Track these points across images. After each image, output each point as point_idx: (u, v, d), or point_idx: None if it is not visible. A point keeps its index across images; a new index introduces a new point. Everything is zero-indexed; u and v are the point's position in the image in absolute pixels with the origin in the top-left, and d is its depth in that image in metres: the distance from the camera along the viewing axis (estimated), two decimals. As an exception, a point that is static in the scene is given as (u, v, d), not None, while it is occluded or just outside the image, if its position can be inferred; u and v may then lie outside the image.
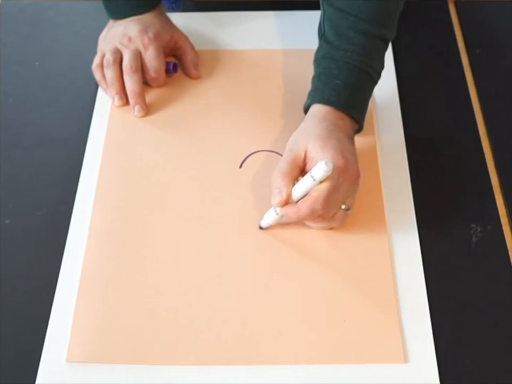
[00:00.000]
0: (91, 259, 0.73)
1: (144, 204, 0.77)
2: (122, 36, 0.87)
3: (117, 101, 0.86)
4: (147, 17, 0.89)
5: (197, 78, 0.91)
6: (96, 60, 0.88)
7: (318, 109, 0.75)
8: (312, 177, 0.67)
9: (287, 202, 0.70)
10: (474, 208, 0.78)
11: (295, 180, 0.70)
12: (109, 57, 0.86)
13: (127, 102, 0.86)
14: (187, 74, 0.91)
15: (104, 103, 0.88)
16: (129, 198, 0.78)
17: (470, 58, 0.94)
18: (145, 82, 0.88)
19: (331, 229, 0.74)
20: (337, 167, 0.68)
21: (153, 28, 0.88)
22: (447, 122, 0.86)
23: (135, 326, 0.68)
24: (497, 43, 0.97)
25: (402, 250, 0.73)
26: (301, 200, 0.69)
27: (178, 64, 0.91)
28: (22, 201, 0.78)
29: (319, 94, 0.76)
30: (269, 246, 0.74)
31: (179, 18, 0.95)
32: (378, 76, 0.79)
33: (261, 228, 0.74)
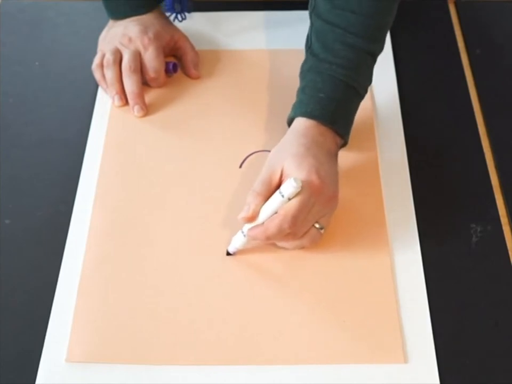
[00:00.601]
0: (91, 259, 0.73)
1: (144, 203, 0.77)
2: (122, 36, 0.87)
3: (117, 101, 0.86)
4: (147, 17, 0.89)
5: (197, 78, 0.91)
6: (96, 60, 0.88)
7: (300, 123, 0.73)
8: (281, 193, 0.66)
9: (253, 218, 0.68)
10: (474, 208, 0.78)
11: (267, 199, 0.68)
12: (109, 58, 0.86)
13: (127, 102, 0.86)
14: (187, 74, 0.91)
15: (104, 103, 0.88)
16: (129, 198, 0.78)
17: (470, 58, 0.94)
18: (145, 83, 0.88)
19: (302, 248, 0.72)
20: (310, 186, 0.67)
21: (153, 28, 0.88)
22: (447, 122, 0.86)
23: (135, 326, 0.68)
24: (497, 43, 0.97)
25: (402, 250, 0.73)
26: (269, 219, 0.67)
27: (178, 64, 0.91)
28: (22, 201, 0.78)
29: (302, 107, 0.74)
30: (269, 246, 0.73)
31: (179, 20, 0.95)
32: (365, 91, 0.77)
33: (228, 253, 0.72)
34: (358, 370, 0.65)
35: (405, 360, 0.65)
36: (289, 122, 0.76)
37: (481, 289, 0.71)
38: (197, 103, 0.88)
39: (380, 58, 0.92)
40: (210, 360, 0.66)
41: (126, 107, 0.86)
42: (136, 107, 0.85)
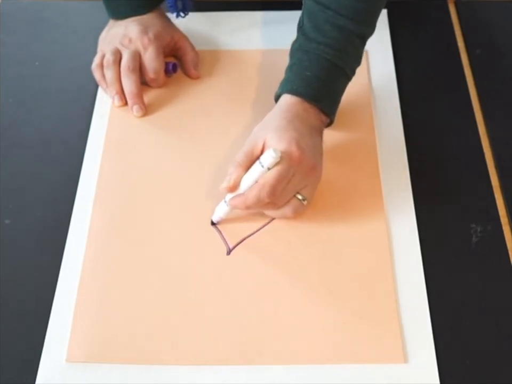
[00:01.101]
0: (91, 259, 0.73)
1: (144, 203, 0.77)
2: (123, 36, 0.87)
3: (117, 101, 0.86)
4: (148, 17, 0.89)
5: (197, 78, 0.91)
6: (96, 60, 0.88)
7: (285, 100, 0.75)
8: (261, 163, 0.68)
9: (234, 188, 0.71)
10: (474, 208, 0.78)
11: (248, 170, 0.71)
12: (109, 58, 0.86)
13: (127, 102, 0.86)
14: (187, 74, 0.91)
15: (104, 103, 0.88)
16: (129, 198, 0.78)
17: (470, 58, 0.94)
18: (145, 83, 0.88)
19: (285, 217, 0.73)
20: (289, 157, 0.68)
21: (154, 28, 0.88)
22: (447, 122, 0.86)
23: (135, 326, 0.68)
24: (497, 43, 0.97)
25: (403, 250, 0.73)
26: (248, 189, 0.70)
27: (178, 64, 0.91)
28: (22, 201, 0.78)
29: (289, 84, 0.76)
30: (269, 246, 0.74)
31: (179, 18, 0.95)
32: (353, 72, 0.79)
33: (212, 223, 0.75)
34: (358, 370, 0.65)
35: (405, 360, 0.65)
36: (276, 99, 0.77)
37: (481, 289, 0.71)
38: (196, 103, 0.88)
39: (380, 58, 0.93)
40: (210, 360, 0.66)
41: (126, 107, 0.86)
42: (135, 107, 0.85)
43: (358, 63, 0.79)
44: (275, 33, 0.97)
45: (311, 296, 0.70)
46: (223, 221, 0.75)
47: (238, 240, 0.74)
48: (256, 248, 0.73)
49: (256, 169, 0.69)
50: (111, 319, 0.68)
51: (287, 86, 0.76)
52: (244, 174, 0.70)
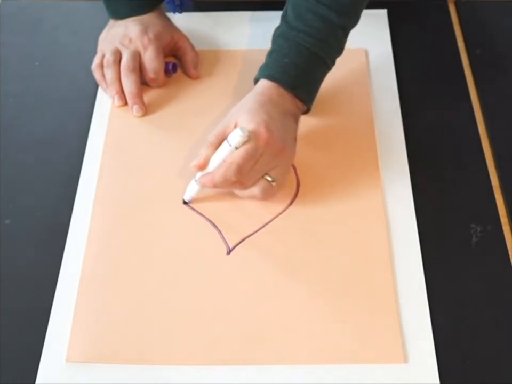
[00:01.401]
0: (91, 259, 0.73)
1: (144, 203, 0.77)
2: (123, 36, 0.87)
3: (117, 101, 0.86)
4: (148, 17, 0.89)
5: (197, 78, 0.91)
6: (96, 60, 0.88)
7: (262, 84, 0.77)
8: (228, 142, 0.70)
9: (203, 166, 0.73)
10: (474, 208, 0.78)
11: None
12: (109, 58, 0.86)
13: (127, 102, 0.86)
14: (187, 74, 0.91)
15: (104, 103, 0.88)
16: (129, 197, 0.78)
17: (470, 58, 0.94)
18: (145, 83, 0.88)
19: (254, 198, 0.74)
20: (257, 137, 0.70)
21: (154, 28, 0.88)
22: (447, 122, 0.86)
23: (135, 326, 0.68)
24: (497, 43, 0.97)
25: (403, 251, 0.73)
26: (216, 168, 0.71)
27: (177, 64, 0.91)
28: (22, 201, 0.78)
29: (266, 70, 0.77)
30: (269, 246, 0.74)
31: (179, 18, 0.95)
32: (333, 62, 0.80)
33: (184, 202, 0.77)
34: (358, 370, 0.65)
35: (405, 360, 0.65)
36: (255, 84, 0.79)
37: (481, 289, 0.71)
38: (196, 103, 0.88)
39: (380, 58, 0.93)
40: (211, 360, 0.66)
41: (126, 107, 0.86)
42: (135, 107, 0.85)
43: (339, 53, 0.80)
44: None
45: (311, 296, 0.70)
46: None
47: (238, 240, 0.74)
48: (256, 248, 0.73)
49: (224, 148, 0.71)
50: (111, 319, 0.68)
51: (265, 71, 0.77)
52: (213, 152, 0.72)
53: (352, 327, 0.68)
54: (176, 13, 0.94)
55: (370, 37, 0.95)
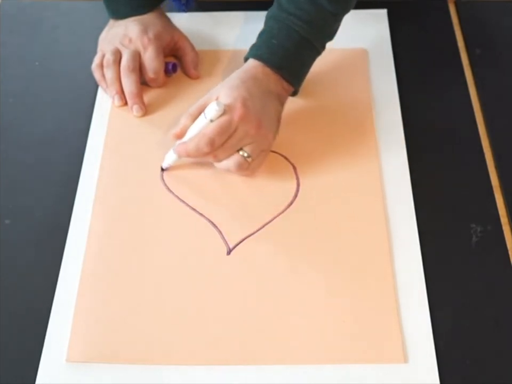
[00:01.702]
0: (91, 259, 0.73)
1: (144, 203, 0.77)
2: (123, 36, 0.87)
3: (117, 101, 0.86)
4: (148, 17, 0.89)
5: (197, 78, 0.91)
6: (96, 60, 0.88)
7: (248, 63, 0.79)
8: (204, 114, 0.73)
9: (180, 135, 0.76)
10: (474, 208, 0.78)
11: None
12: (109, 57, 0.86)
13: (126, 102, 0.86)
14: (187, 74, 0.91)
15: (104, 103, 0.88)
16: (129, 197, 0.78)
17: (470, 58, 0.94)
18: (145, 83, 0.88)
19: (229, 171, 0.76)
20: (232, 112, 0.72)
21: (154, 28, 0.88)
22: (447, 122, 0.86)
23: (135, 326, 0.68)
24: (497, 43, 0.97)
25: (403, 251, 0.73)
26: (190, 138, 0.74)
27: (177, 64, 0.91)
28: (22, 201, 0.78)
29: (254, 49, 0.79)
30: (269, 246, 0.74)
31: (179, 18, 0.95)
32: (322, 47, 0.81)
33: (162, 169, 0.80)
34: (358, 370, 0.65)
35: (405, 360, 0.65)
36: (245, 61, 0.80)
37: (481, 289, 0.71)
38: (196, 103, 0.88)
39: (380, 58, 0.93)
40: (211, 360, 0.66)
41: (126, 107, 0.86)
42: (135, 107, 0.85)
43: (329, 38, 0.81)
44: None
45: (312, 296, 0.70)
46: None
47: (238, 240, 0.74)
48: (256, 248, 0.73)
49: (200, 120, 0.74)
50: (111, 319, 0.68)
51: (253, 51, 0.79)
52: (191, 123, 0.75)
53: (352, 327, 0.68)
54: (177, 13, 0.94)
55: (370, 37, 0.95)
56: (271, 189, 0.78)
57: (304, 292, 0.70)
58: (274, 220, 0.76)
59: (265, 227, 0.75)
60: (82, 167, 0.81)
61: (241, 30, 0.97)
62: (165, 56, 0.89)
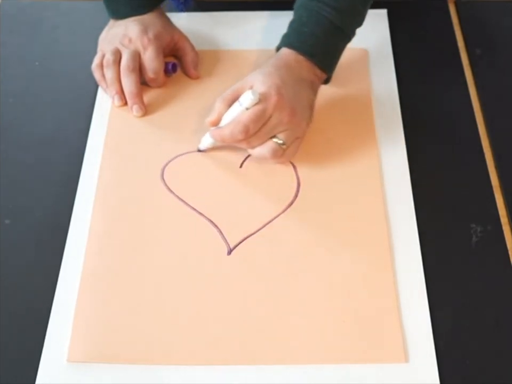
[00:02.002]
0: (91, 259, 0.73)
1: (144, 203, 0.77)
2: (123, 36, 0.87)
3: (117, 101, 0.86)
4: (148, 17, 0.89)
5: (197, 78, 0.91)
6: (96, 60, 0.88)
7: (281, 52, 0.80)
8: (239, 102, 0.73)
9: (216, 122, 0.77)
10: (474, 208, 0.78)
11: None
12: (108, 58, 0.86)
13: (126, 102, 0.86)
14: (187, 74, 0.91)
15: (104, 103, 0.88)
16: (129, 197, 0.78)
17: (470, 58, 0.94)
18: (145, 83, 0.88)
19: (264, 158, 0.77)
20: (266, 99, 0.73)
21: (154, 28, 0.88)
22: (447, 123, 0.86)
23: (135, 326, 0.68)
24: (497, 43, 0.97)
25: (403, 251, 0.73)
26: (225, 124, 0.75)
27: (177, 64, 0.91)
28: (22, 201, 0.78)
29: (286, 39, 0.81)
30: (270, 245, 0.74)
31: (179, 18, 0.95)
32: (353, 33, 0.82)
33: (199, 149, 0.81)
34: (358, 370, 0.65)
35: (406, 360, 0.65)
36: (276, 52, 0.82)
37: (481, 289, 0.71)
38: (196, 103, 0.88)
39: (380, 58, 0.93)
40: (211, 360, 0.66)
41: (126, 107, 0.86)
42: (135, 107, 0.85)
43: (358, 24, 0.83)
44: (275, 33, 0.96)
45: (312, 296, 0.70)
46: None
47: (239, 239, 0.74)
48: (256, 248, 0.73)
49: (235, 108, 0.74)
50: (112, 319, 0.68)
51: (284, 40, 0.81)
52: (226, 109, 0.76)
53: (352, 327, 0.68)
54: (177, 13, 0.94)
55: (370, 37, 0.95)
56: (271, 189, 0.78)
57: (304, 292, 0.70)
58: (275, 220, 0.76)
59: (266, 227, 0.75)
60: (82, 167, 0.81)
61: (241, 30, 0.97)
62: (165, 56, 0.89)
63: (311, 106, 0.79)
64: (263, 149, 0.76)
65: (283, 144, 0.75)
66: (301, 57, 0.78)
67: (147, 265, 0.72)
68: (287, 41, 0.80)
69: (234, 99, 0.75)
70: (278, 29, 0.97)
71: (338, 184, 0.79)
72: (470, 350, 0.67)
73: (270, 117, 0.73)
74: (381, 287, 0.70)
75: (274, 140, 0.75)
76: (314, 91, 0.80)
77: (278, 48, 0.81)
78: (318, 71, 0.80)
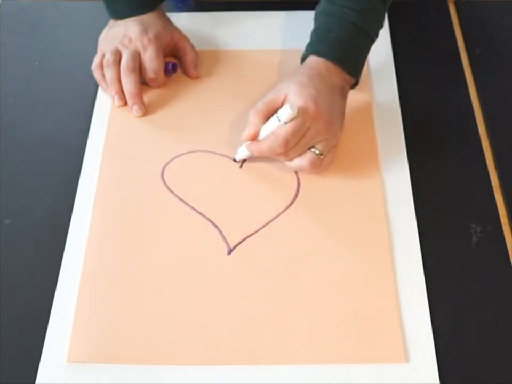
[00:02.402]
0: (91, 259, 0.73)
1: (144, 203, 0.77)
2: (123, 36, 0.87)
3: (117, 101, 0.86)
4: (148, 17, 0.89)
5: (197, 78, 0.91)
6: (96, 60, 0.88)
7: (309, 60, 0.79)
8: (278, 117, 0.72)
9: (254, 137, 0.75)
10: (474, 208, 0.78)
11: (267, 119, 0.75)
12: (108, 57, 0.86)
13: (126, 102, 0.86)
14: (187, 74, 0.91)
15: (104, 103, 0.88)
16: (129, 197, 0.78)
17: (470, 58, 0.94)
18: (145, 83, 0.88)
19: (303, 170, 0.77)
20: (305, 112, 0.72)
21: (154, 28, 0.88)
22: (447, 123, 0.86)
23: (135, 326, 0.68)
24: (497, 43, 0.97)
25: (403, 251, 0.73)
26: (263, 138, 0.75)
27: (177, 64, 0.91)
28: (22, 201, 0.78)
29: (312, 46, 0.80)
30: (270, 245, 0.74)
31: (179, 18, 0.95)
32: (376, 35, 0.82)
33: (234, 160, 0.80)
34: (358, 370, 0.65)
35: (406, 360, 0.65)
36: (302, 61, 0.81)
37: (481, 289, 0.71)
38: (196, 103, 0.88)
39: (380, 59, 0.93)
40: (211, 361, 0.66)
41: (126, 107, 0.86)
42: (135, 107, 0.85)
43: (380, 26, 0.83)
44: (275, 33, 0.97)
45: (312, 296, 0.70)
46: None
47: (239, 239, 0.74)
48: (257, 248, 0.73)
49: (273, 122, 0.73)
50: (112, 319, 0.68)
51: (311, 48, 0.80)
52: (262, 122, 0.75)
53: (352, 326, 0.68)
54: (177, 13, 0.94)
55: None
56: (271, 189, 0.78)
57: (304, 292, 0.70)
58: (275, 220, 0.76)
59: (266, 227, 0.75)
60: (82, 167, 0.81)
61: (241, 30, 0.97)
62: (165, 56, 0.89)
63: (343, 114, 0.79)
64: (302, 161, 0.75)
65: (321, 154, 0.75)
66: (330, 64, 0.78)
67: (147, 265, 0.72)
68: (314, 49, 0.79)
69: (269, 111, 0.75)
70: (277, 29, 0.97)
71: (338, 184, 0.79)
72: (470, 350, 0.67)
73: (309, 128, 0.73)
74: (381, 287, 0.70)
75: (312, 150, 0.75)
76: (345, 97, 0.80)
77: (304, 58, 0.80)
78: (347, 77, 0.80)
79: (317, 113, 0.73)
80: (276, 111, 0.74)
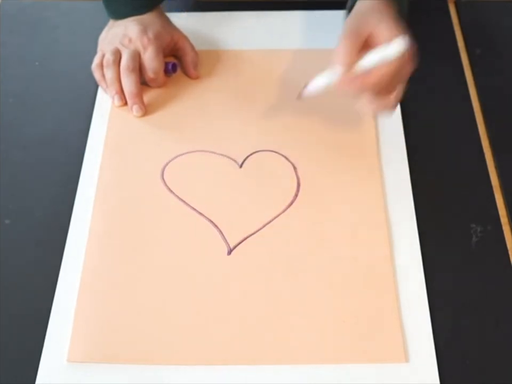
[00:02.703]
0: (91, 259, 0.73)
1: (144, 203, 0.77)
2: (123, 36, 0.87)
3: (117, 101, 0.86)
4: (147, 17, 0.89)
5: (197, 78, 0.91)
6: (96, 60, 0.88)
7: (362, 2, 0.73)
8: (388, 51, 0.66)
9: (350, 65, 0.68)
10: (474, 208, 0.78)
11: (358, 50, 0.68)
12: (108, 57, 0.86)
13: (126, 102, 0.86)
14: (187, 74, 0.91)
15: (104, 103, 0.88)
16: (129, 197, 0.78)
17: (470, 58, 0.94)
18: (145, 83, 0.88)
19: (385, 108, 0.73)
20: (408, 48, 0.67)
21: (154, 28, 0.88)
22: (447, 122, 0.86)
23: (136, 326, 0.68)
24: (497, 43, 0.97)
25: (403, 250, 0.73)
26: (368, 72, 0.67)
27: (177, 64, 0.91)
28: (22, 201, 0.78)
29: None
30: (270, 245, 0.74)
31: (179, 18, 0.95)
32: None
33: (299, 96, 0.74)
34: (358, 370, 0.65)
35: (406, 360, 0.65)
36: (350, 9, 0.75)
37: (481, 289, 0.71)
38: (196, 103, 0.88)
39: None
40: (211, 360, 0.66)
41: (126, 107, 0.86)
42: (135, 107, 0.85)
43: None
44: (275, 34, 0.97)
45: (312, 296, 0.70)
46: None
47: (239, 239, 0.74)
48: (257, 248, 0.73)
49: (379, 56, 0.67)
50: (112, 319, 0.68)
51: None
52: (353, 51, 0.67)
53: (352, 326, 0.68)
54: (177, 13, 0.94)
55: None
56: (271, 189, 0.78)
57: (304, 292, 0.70)
58: (275, 220, 0.76)
59: (266, 227, 0.75)
60: (82, 167, 0.81)
61: (241, 30, 0.97)
62: (165, 56, 0.89)
63: None
64: (391, 98, 0.71)
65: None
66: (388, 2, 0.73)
67: (147, 265, 0.72)
68: None
69: (356, 40, 0.68)
70: (278, 29, 0.97)
71: (338, 184, 0.79)
72: (470, 350, 0.67)
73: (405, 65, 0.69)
74: (381, 287, 0.70)
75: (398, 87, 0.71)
76: None
77: (352, 4, 0.75)
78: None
79: (412, 49, 0.69)
80: (362, 43, 0.68)
